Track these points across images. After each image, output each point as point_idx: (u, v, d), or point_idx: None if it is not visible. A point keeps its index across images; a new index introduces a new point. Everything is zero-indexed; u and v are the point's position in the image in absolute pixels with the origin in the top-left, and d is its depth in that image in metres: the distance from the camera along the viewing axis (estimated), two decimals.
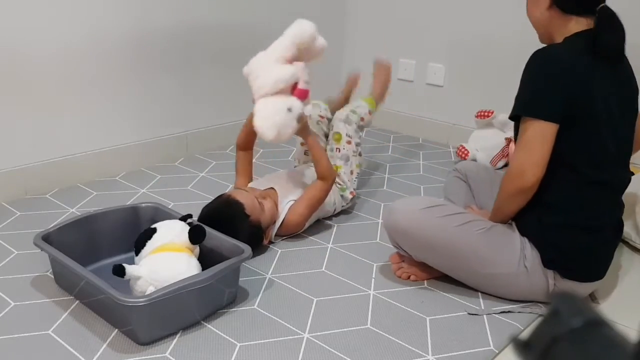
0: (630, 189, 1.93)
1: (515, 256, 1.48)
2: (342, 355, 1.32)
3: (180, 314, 1.36)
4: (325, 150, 2.05)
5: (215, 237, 1.55)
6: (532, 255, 1.47)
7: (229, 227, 1.60)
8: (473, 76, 2.78)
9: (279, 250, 1.77)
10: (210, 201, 1.79)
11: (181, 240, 1.45)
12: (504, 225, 1.53)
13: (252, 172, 2.00)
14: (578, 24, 1.43)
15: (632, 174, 2.20)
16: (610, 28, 1.41)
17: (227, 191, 1.86)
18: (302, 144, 2.13)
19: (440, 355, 1.33)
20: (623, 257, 1.83)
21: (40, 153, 2.08)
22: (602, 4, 1.43)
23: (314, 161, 1.85)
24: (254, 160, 1.99)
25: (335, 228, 1.94)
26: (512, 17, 2.55)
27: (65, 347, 1.30)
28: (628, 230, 1.87)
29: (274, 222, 1.78)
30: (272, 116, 1.65)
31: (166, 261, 1.39)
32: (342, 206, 2.03)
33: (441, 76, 2.88)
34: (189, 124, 2.54)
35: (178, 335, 1.36)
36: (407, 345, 1.36)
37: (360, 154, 2.11)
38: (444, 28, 2.83)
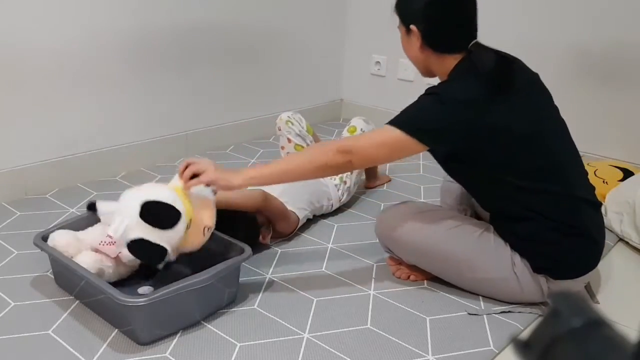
0: (630, 189, 1.94)
1: (505, 262, 1.47)
2: (342, 355, 1.32)
3: (180, 314, 1.36)
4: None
5: (215, 237, 1.55)
6: (520, 263, 1.47)
7: (227, 216, 1.59)
8: None
9: (279, 250, 1.77)
10: None
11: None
12: (494, 231, 1.53)
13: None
14: (454, 60, 1.43)
15: (632, 173, 2.20)
16: (485, 62, 1.38)
17: None
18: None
19: (440, 355, 1.33)
20: (623, 257, 1.83)
21: (40, 153, 2.08)
22: (474, 41, 1.43)
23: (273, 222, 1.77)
24: (254, 160, 1.98)
25: (335, 228, 1.94)
26: (511, 17, 2.55)
27: (65, 347, 1.30)
28: (628, 230, 1.87)
29: (268, 225, 1.78)
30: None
31: (145, 189, 1.36)
32: (340, 201, 2.02)
33: None
34: (189, 123, 2.54)
35: (178, 335, 1.36)
36: (407, 345, 1.36)
37: None
38: None
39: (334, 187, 2.01)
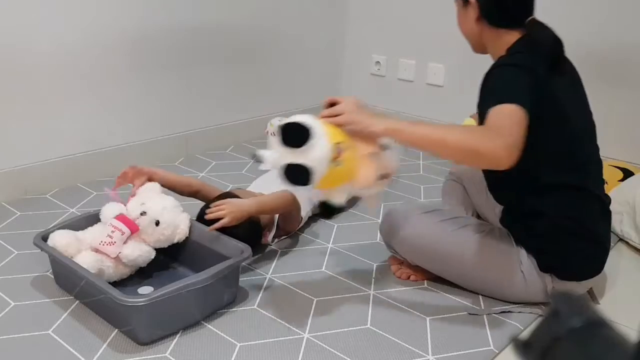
0: (630, 188, 1.94)
1: (511, 261, 1.47)
2: (342, 355, 1.32)
3: (180, 314, 1.36)
4: None
5: (215, 237, 1.55)
6: (527, 261, 1.47)
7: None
8: (473, 76, 2.77)
9: (279, 250, 1.77)
10: (210, 200, 1.79)
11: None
12: (500, 230, 1.53)
13: (214, 190, 1.88)
14: (510, 36, 1.41)
15: (632, 173, 2.20)
16: (547, 39, 1.38)
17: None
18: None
19: (440, 355, 1.33)
20: (623, 257, 1.83)
21: (40, 153, 2.08)
22: (531, 17, 1.42)
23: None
24: (253, 160, 1.97)
25: (335, 228, 1.94)
26: None
27: (65, 347, 1.30)
28: (628, 230, 1.87)
29: (270, 223, 1.78)
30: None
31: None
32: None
33: (441, 76, 2.88)
34: (189, 124, 2.54)
35: (178, 335, 1.36)
36: (407, 345, 1.36)
37: None
38: (444, 28, 2.82)
39: None
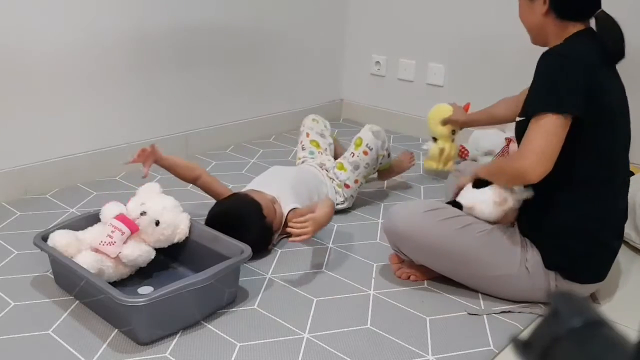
0: (630, 189, 1.94)
1: (516, 258, 1.48)
2: (342, 355, 1.32)
3: (180, 314, 1.36)
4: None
5: (215, 237, 1.55)
6: (533, 256, 1.47)
7: (244, 224, 1.63)
8: (473, 76, 2.78)
9: (279, 250, 1.77)
10: (223, 199, 1.81)
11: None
12: (505, 226, 1.53)
13: (222, 186, 1.91)
14: (575, 29, 1.42)
15: (632, 173, 2.20)
16: (612, 33, 1.40)
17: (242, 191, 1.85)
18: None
19: (440, 355, 1.33)
20: (623, 257, 1.83)
21: (40, 153, 2.08)
22: (601, 9, 1.42)
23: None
24: (254, 160, 1.98)
25: (335, 228, 1.94)
26: (512, 16, 2.54)
27: (65, 347, 1.30)
28: (628, 230, 1.87)
29: (279, 228, 1.78)
30: None
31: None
32: (337, 204, 2.02)
33: (441, 76, 2.88)
34: (189, 124, 2.54)
35: (178, 335, 1.36)
36: (407, 345, 1.36)
37: (367, 174, 2.08)
38: (444, 28, 2.83)
39: (332, 188, 2.01)
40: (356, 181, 2.04)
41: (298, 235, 1.52)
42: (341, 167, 2.04)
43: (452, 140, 2.19)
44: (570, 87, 1.32)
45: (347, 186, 2.03)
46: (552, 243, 1.46)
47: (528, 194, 1.46)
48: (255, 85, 2.79)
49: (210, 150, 2.61)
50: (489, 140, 2.54)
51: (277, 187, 1.86)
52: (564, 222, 1.43)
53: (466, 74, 2.81)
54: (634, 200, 1.86)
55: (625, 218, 1.52)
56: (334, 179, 2.03)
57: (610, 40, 1.39)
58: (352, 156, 2.03)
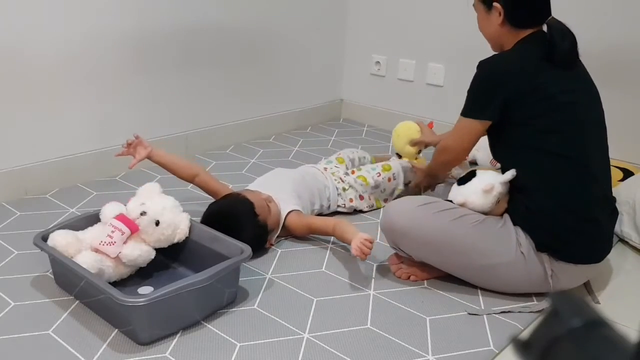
0: (630, 189, 1.94)
1: (511, 244, 1.50)
2: (342, 355, 1.32)
3: (180, 314, 1.36)
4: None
5: (215, 237, 1.55)
6: (525, 241, 1.50)
7: (237, 223, 1.63)
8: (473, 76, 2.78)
9: (279, 250, 1.77)
10: (218, 199, 1.80)
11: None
12: (496, 217, 1.56)
13: (221, 185, 1.91)
14: (527, 34, 1.52)
15: (632, 173, 2.20)
16: (562, 37, 1.48)
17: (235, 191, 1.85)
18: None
19: (440, 355, 1.33)
20: (623, 257, 1.83)
21: (40, 153, 2.08)
22: (551, 16, 1.52)
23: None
24: (254, 160, 1.98)
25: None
26: None
27: (65, 347, 1.30)
28: (628, 230, 1.88)
29: (276, 228, 1.78)
30: None
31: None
32: (338, 206, 2.02)
33: (441, 76, 2.88)
34: (189, 123, 2.54)
35: (178, 335, 1.36)
36: (407, 345, 1.36)
37: (386, 199, 2.12)
38: (444, 28, 2.83)
39: (334, 190, 2.01)
40: (370, 197, 2.07)
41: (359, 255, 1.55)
42: (364, 180, 2.04)
43: (416, 158, 2.22)
44: (488, 97, 1.52)
45: (361, 197, 2.04)
46: (538, 225, 1.49)
47: (510, 175, 1.53)
48: (255, 85, 2.79)
49: (210, 150, 2.61)
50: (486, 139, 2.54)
51: (277, 187, 1.86)
52: (543, 205, 1.49)
53: (466, 74, 2.79)
54: (634, 200, 1.87)
55: (609, 189, 1.58)
56: (341, 181, 2.03)
57: (559, 40, 1.47)
58: (378, 176, 2.06)
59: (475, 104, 1.58)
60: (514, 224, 1.53)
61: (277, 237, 1.81)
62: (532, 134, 1.49)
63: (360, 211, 2.05)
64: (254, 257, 1.53)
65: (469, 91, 1.60)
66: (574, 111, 1.49)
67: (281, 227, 1.79)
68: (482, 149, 2.56)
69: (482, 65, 1.56)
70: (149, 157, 1.84)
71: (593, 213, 1.49)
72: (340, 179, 2.04)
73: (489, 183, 1.54)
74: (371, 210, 2.07)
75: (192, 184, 1.98)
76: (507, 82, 1.49)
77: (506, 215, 1.56)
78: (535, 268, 1.49)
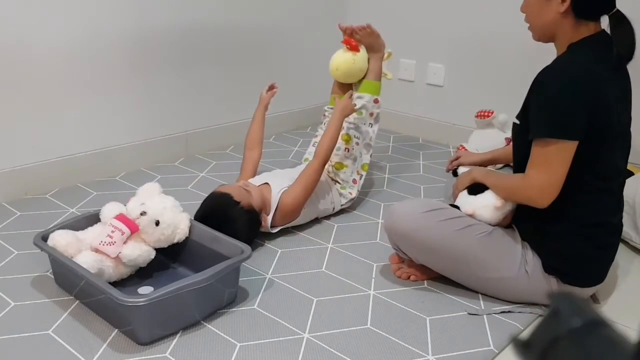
0: (630, 189, 1.94)
1: (516, 260, 1.48)
2: (342, 355, 1.32)
3: (180, 314, 1.36)
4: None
5: (215, 237, 1.55)
6: (533, 260, 1.47)
7: (225, 218, 1.64)
8: (473, 76, 2.78)
9: (279, 250, 1.77)
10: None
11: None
12: (503, 229, 1.53)
13: (254, 171, 2.00)
14: (587, 29, 1.38)
15: (632, 173, 2.20)
16: (625, 33, 1.37)
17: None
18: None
19: (440, 355, 1.33)
20: (623, 257, 1.83)
21: (40, 153, 2.08)
22: (616, 9, 1.38)
23: (322, 135, 1.92)
24: None
25: (335, 228, 1.94)
26: (512, 16, 2.54)
27: (65, 347, 1.30)
28: (628, 230, 1.87)
29: (268, 208, 1.79)
30: None
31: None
32: (342, 205, 2.03)
33: (441, 76, 2.88)
34: (189, 124, 2.54)
35: (178, 335, 1.36)
36: (407, 345, 1.36)
37: (370, 153, 2.11)
38: (444, 28, 2.83)
39: (336, 191, 2.01)
40: (358, 172, 2.08)
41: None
42: (340, 166, 2.04)
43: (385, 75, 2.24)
44: (574, 112, 1.31)
45: (354, 182, 2.05)
46: (550, 248, 1.46)
47: None
48: (255, 85, 2.78)
49: (210, 150, 2.61)
50: (488, 140, 2.54)
51: (272, 176, 1.89)
52: (559, 228, 1.43)
53: (466, 74, 2.81)
54: (634, 200, 1.86)
55: (621, 214, 1.52)
56: (338, 182, 2.03)
57: (622, 45, 1.36)
58: (348, 151, 2.06)
59: (557, 120, 1.32)
60: (524, 239, 1.50)
61: (276, 225, 1.81)
62: (577, 156, 1.34)
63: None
64: (254, 257, 1.53)
65: (542, 105, 1.35)
66: (625, 139, 1.42)
67: (277, 207, 1.79)
68: (482, 150, 2.56)
69: (554, 75, 1.34)
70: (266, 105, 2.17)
71: (612, 238, 1.47)
72: (335, 181, 2.04)
73: (503, 202, 1.47)
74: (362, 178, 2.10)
75: (202, 175, 1.97)
76: (590, 91, 1.31)
77: (515, 230, 1.53)
78: (539, 286, 1.47)
